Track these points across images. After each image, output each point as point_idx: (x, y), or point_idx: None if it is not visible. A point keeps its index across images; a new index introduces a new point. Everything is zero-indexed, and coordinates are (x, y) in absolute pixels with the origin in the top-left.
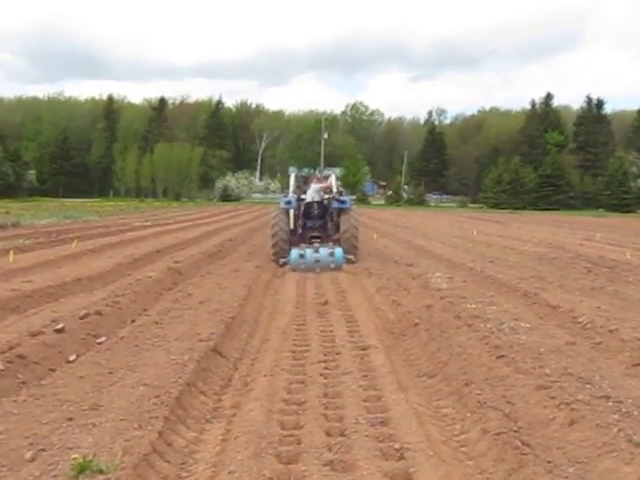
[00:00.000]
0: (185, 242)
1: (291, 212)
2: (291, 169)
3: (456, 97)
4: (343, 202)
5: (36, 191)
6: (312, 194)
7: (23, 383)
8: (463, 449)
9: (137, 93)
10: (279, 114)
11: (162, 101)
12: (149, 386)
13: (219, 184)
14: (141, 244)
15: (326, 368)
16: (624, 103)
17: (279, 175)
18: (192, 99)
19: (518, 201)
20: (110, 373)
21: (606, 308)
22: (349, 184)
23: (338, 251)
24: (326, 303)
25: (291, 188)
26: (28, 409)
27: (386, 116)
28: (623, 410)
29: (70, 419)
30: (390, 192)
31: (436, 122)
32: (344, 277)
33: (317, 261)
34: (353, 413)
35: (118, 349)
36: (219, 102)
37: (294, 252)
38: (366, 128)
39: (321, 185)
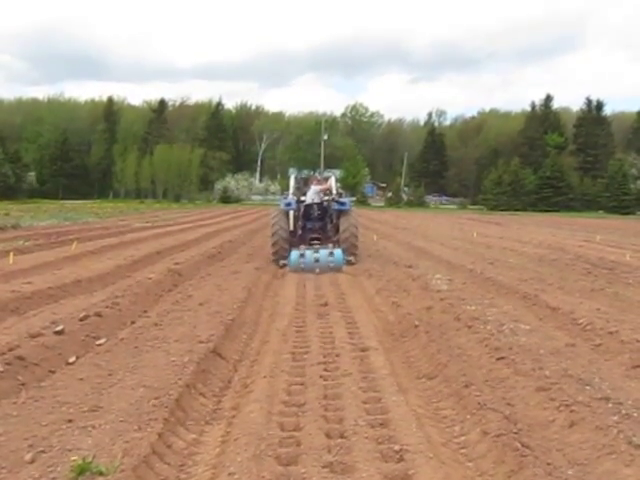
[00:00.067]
0: (185, 243)
1: (291, 213)
2: (291, 171)
3: (456, 99)
4: (343, 204)
5: (36, 193)
6: (312, 196)
7: (23, 385)
8: (463, 451)
9: (137, 95)
10: (279, 116)
11: (162, 103)
12: (149, 388)
13: (219, 186)
14: (141, 245)
15: (326, 370)
16: (624, 105)
17: (279, 177)
18: (192, 101)
19: (518, 203)
20: (110, 375)
21: (606, 310)
22: (349, 186)
23: (338, 252)
24: (326, 305)
25: (291, 190)
26: (28, 411)
27: (386, 118)
28: (623, 412)
29: (70, 421)
30: (390, 194)
31: (436, 124)
32: (344, 278)
33: (317, 262)
34: (353, 415)
35: (118, 351)
36: (219, 104)
37: (294, 253)
38: (366, 130)
39: (321, 187)
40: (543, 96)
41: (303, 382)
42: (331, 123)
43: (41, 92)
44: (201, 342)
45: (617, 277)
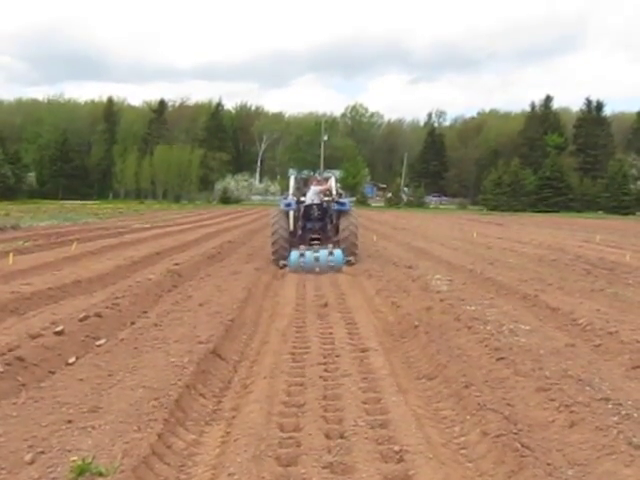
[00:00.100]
0: (185, 244)
1: (291, 214)
2: (291, 171)
3: (456, 99)
4: (343, 204)
5: (36, 193)
6: (312, 196)
7: (22, 385)
8: (463, 451)
9: (137, 95)
10: (279, 116)
11: (162, 103)
12: (148, 388)
13: (219, 186)
14: (141, 246)
15: (326, 370)
16: (624, 105)
17: (279, 177)
18: (192, 101)
19: (518, 203)
20: (109, 375)
21: (606, 310)
22: (349, 186)
23: (338, 253)
24: (326, 305)
25: (291, 190)
26: (27, 411)
27: (386, 118)
28: (623, 412)
29: (69, 421)
30: (390, 194)
31: (436, 124)
32: (344, 279)
33: (317, 263)
34: (352, 415)
35: (117, 351)
36: (219, 104)
37: (294, 254)
38: (366, 130)
39: (321, 187)
40: (543, 96)
41: (303, 383)
42: (331, 124)
43: (41, 93)
44: (201, 343)
45: (617, 277)
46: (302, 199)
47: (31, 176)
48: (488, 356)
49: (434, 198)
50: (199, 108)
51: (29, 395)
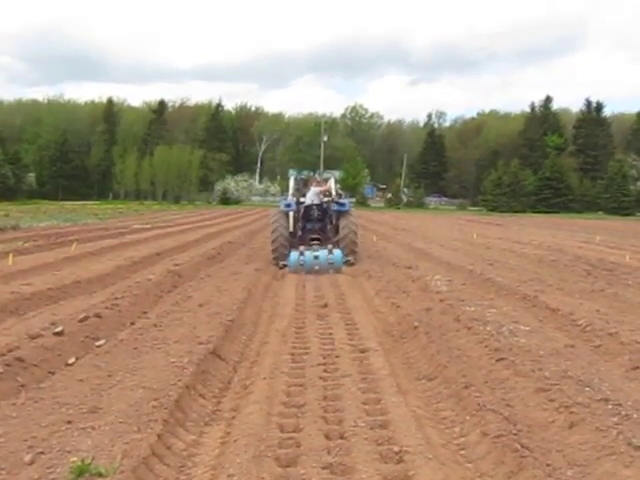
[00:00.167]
0: (185, 245)
1: (291, 215)
2: (291, 172)
3: (456, 100)
4: (342, 205)
5: (35, 194)
6: (312, 197)
7: (22, 386)
8: (462, 452)
9: (137, 96)
10: (279, 117)
11: (162, 104)
12: (148, 389)
13: (219, 187)
14: (141, 247)
15: (325, 371)
16: (623, 106)
17: (279, 178)
18: (192, 102)
19: (517, 204)
20: (109, 376)
21: (605, 311)
22: (349, 187)
23: (337, 253)
24: (325, 306)
25: (291, 191)
26: (27, 412)
27: (386, 119)
28: (622, 413)
29: (69, 422)
30: (389, 195)
31: (435, 125)
32: (343, 280)
33: (316, 263)
34: (352, 416)
35: (117, 352)
36: (219, 105)
37: (293, 254)
38: (366, 131)
39: (320, 188)
40: (543, 97)
41: (303, 383)
42: (331, 124)
43: (41, 93)
44: (201, 343)
45: (617, 278)
46: (302, 200)
47: (31, 176)
48: (488, 357)
49: (434, 199)
50: (199, 109)
51: (29, 396)
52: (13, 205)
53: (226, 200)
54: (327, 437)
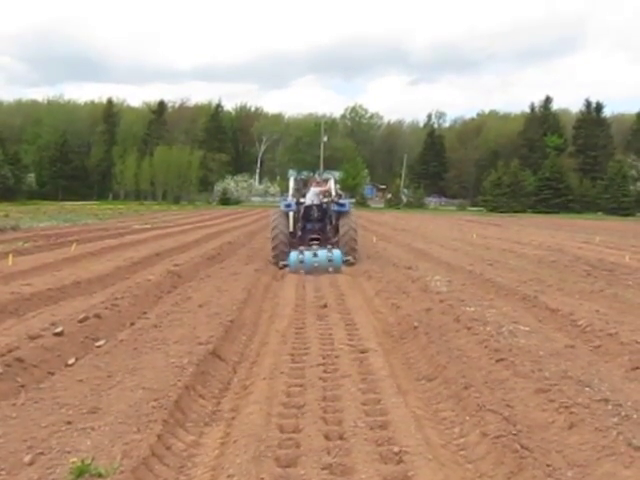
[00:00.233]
0: (185, 245)
1: (291, 215)
2: (290, 172)
3: (455, 100)
4: (342, 205)
5: (35, 194)
6: (311, 197)
7: (22, 386)
8: (462, 452)
9: (137, 96)
10: (278, 117)
11: (161, 104)
12: (148, 389)
13: (218, 187)
14: (140, 247)
15: (325, 371)
16: (623, 106)
17: (278, 178)
18: (192, 102)
19: (517, 204)
20: (109, 376)
21: (605, 311)
22: (348, 187)
23: (337, 253)
24: (325, 306)
25: (290, 191)
26: (27, 412)
27: (385, 119)
28: (622, 413)
29: (69, 422)
30: (389, 195)
31: (435, 125)
32: (343, 280)
33: (316, 263)
34: (352, 416)
35: (117, 352)
36: (219, 105)
37: (293, 255)
38: (365, 131)
39: (320, 188)
40: (543, 97)
41: (302, 384)
42: (331, 125)
43: (41, 94)
44: (200, 344)
45: (616, 278)
46: (302, 200)
47: (31, 177)
48: (488, 357)
49: (434, 199)
50: (199, 109)
51: (28, 396)
52: (13, 205)
53: (226, 200)
54: (327, 437)
